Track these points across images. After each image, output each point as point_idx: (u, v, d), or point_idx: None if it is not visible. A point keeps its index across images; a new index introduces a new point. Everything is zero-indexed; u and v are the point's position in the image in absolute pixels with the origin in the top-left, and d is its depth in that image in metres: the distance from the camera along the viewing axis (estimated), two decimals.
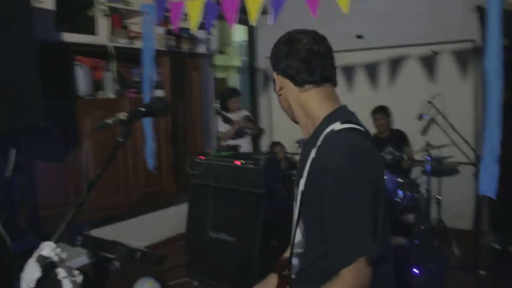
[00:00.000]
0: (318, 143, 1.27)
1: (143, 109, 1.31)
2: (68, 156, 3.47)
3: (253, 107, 5.88)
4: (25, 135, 3.14)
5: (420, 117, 3.81)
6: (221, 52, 7.20)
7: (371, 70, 4.88)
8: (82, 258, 2.73)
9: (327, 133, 1.28)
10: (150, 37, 3.50)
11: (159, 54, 3.82)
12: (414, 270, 2.55)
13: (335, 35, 4.74)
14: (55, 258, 1.05)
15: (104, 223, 3.82)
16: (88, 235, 3.34)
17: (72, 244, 2.12)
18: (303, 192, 1.29)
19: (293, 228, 1.37)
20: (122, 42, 3.75)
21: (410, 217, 4.08)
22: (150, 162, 3.67)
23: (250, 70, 5.93)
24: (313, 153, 1.27)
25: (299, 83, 1.36)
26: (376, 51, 4.78)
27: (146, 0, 3.61)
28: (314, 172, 1.26)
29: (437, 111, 3.89)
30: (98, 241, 2.91)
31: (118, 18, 3.78)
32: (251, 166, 3.20)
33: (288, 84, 1.37)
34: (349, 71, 4.99)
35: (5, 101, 2.41)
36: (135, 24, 3.97)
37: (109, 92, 3.83)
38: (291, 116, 1.45)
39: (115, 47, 3.66)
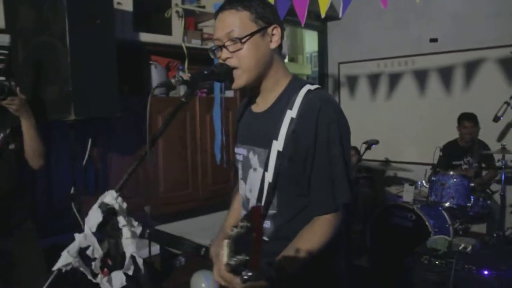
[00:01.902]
0: (296, 102, 1.34)
1: (205, 72, 1.33)
2: (141, 150, 3.65)
3: None
4: (102, 128, 3.34)
5: (497, 119, 3.62)
6: (292, 60, 7.28)
7: (445, 74, 4.72)
8: (146, 250, 2.87)
9: (306, 92, 1.36)
10: None
11: None
12: (485, 272, 2.42)
13: (409, 39, 4.76)
14: (116, 207, 1.12)
15: (171, 219, 3.95)
16: (156, 229, 3.48)
17: (141, 236, 2.24)
18: (281, 152, 1.33)
19: (263, 190, 1.39)
20: (195, 43, 3.91)
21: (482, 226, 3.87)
22: (218, 156, 3.75)
23: (320, 77, 5.94)
24: (291, 113, 1.34)
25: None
26: (450, 54, 4.62)
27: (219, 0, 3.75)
28: (299, 129, 1.32)
29: None
30: (165, 235, 3.02)
31: (192, 20, 3.95)
32: None
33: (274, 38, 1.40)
34: (421, 75, 4.85)
35: (85, 92, 2.60)
36: (208, 27, 4.13)
37: (181, 91, 3.99)
38: (256, 79, 1.41)
39: (188, 48, 3.82)
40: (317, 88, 1.40)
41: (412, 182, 4.16)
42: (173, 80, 1.24)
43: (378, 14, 5.05)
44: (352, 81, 5.50)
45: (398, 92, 5.07)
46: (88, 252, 1.14)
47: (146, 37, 3.51)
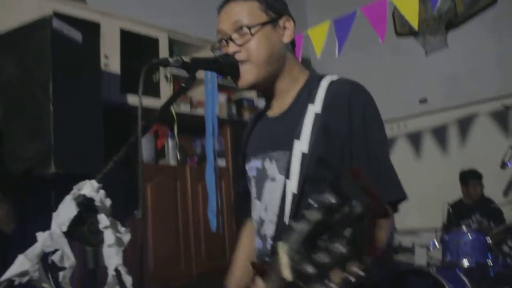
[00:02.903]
0: (318, 95, 1.15)
1: (209, 58, 1.15)
2: (127, 222, 3.37)
3: None
4: None
5: (504, 165, 3.46)
6: None
7: (439, 134, 4.64)
8: None
9: (329, 83, 1.17)
10: (213, 99, 3.53)
11: (220, 123, 3.83)
12: None
13: (398, 101, 4.72)
14: (97, 201, 0.88)
15: None
16: None
17: None
18: (306, 154, 1.10)
19: (285, 203, 1.12)
20: (184, 109, 3.82)
21: None
22: (213, 222, 3.48)
23: None
24: (314, 108, 1.13)
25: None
26: (442, 113, 4.57)
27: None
28: (328, 121, 1.11)
29: None
30: None
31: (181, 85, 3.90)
32: None
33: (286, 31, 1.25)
34: (414, 138, 4.77)
35: (67, 146, 2.41)
36: (197, 94, 4.07)
37: (171, 159, 3.82)
38: (268, 78, 1.22)
39: (177, 114, 3.71)
40: (340, 77, 1.23)
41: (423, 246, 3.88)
42: (171, 60, 1.06)
43: (365, 78, 5.06)
44: None
45: (392, 157, 4.93)
46: (54, 258, 0.82)
47: (133, 99, 3.40)
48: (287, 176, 1.12)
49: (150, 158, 3.65)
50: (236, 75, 1.19)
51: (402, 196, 1.12)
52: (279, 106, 1.26)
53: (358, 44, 5.03)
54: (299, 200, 1.10)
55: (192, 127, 3.94)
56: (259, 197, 1.24)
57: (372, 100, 1.18)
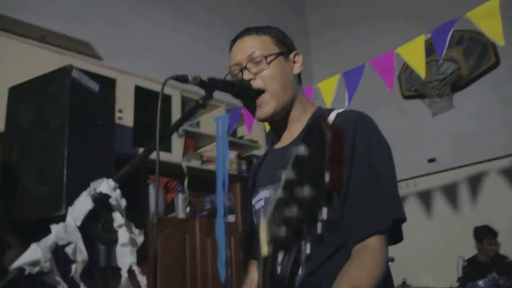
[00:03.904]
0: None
1: (226, 80, 1.19)
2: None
3: None
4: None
5: None
6: None
7: (449, 191, 4.60)
8: None
9: (336, 115, 1.20)
10: (224, 154, 3.56)
11: (230, 179, 3.84)
12: None
13: (407, 161, 4.74)
14: (113, 200, 0.89)
15: None
16: None
17: None
18: None
19: None
20: (195, 164, 3.85)
21: None
22: (222, 273, 3.39)
23: None
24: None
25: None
26: (451, 172, 4.57)
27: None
28: None
29: None
30: None
31: (192, 142, 3.96)
32: None
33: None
34: (425, 197, 4.73)
35: (80, 189, 2.44)
36: (207, 151, 4.12)
37: (180, 213, 3.80)
38: (285, 107, 1.26)
39: (188, 168, 3.74)
40: (347, 109, 1.26)
41: None
42: (190, 77, 1.10)
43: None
44: None
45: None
46: (68, 251, 0.82)
47: None
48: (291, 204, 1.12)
49: (159, 211, 3.63)
50: (250, 97, 1.23)
51: (401, 216, 1.09)
52: (287, 136, 1.28)
53: (365, 107, 5.15)
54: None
55: (203, 183, 3.95)
56: None
57: (377, 128, 1.20)
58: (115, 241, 0.86)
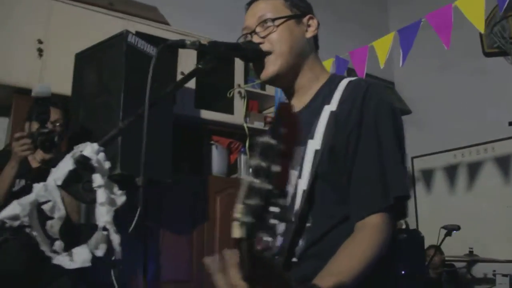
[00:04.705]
0: (335, 96, 1.14)
1: (229, 43, 1.16)
2: (196, 231, 3.49)
3: None
4: (153, 201, 3.23)
5: None
6: None
7: None
8: None
9: (347, 83, 1.15)
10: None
11: None
12: None
13: (486, 124, 4.42)
14: (94, 162, 0.96)
15: None
16: None
17: None
18: (318, 151, 1.08)
19: (294, 201, 1.09)
20: (258, 125, 3.91)
21: None
22: None
23: None
24: (330, 107, 1.12)
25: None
26: None
27: None
28: (342, 121, 1.09)
29: None
30: None
31: (256, 103, 4.01)
32: None
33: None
34: (504, 161, 4.40)
35: (134, 150, 2.59)
36: (272, 113, 4.16)
37: (243, 174, 3.91)
38: (290, 70, 1.23)
39: (250, 128, 3.80)
40: (359, 77, 1.22)
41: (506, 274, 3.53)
42: (188, 42, 1.10)
43: (449, 103, 4.85)
44: (428, 175, 5.12)
45: (479, 182, 4.61)
46: (45, 208, 0.90)
47: (207, 114, 3.56)
48: (299, 175, 1.11)
49: (222, 171, 3.76)
50: (259, 60, 1.22)
51: (404, 193, 1.05)
52: (298, 103, 1.26)
53: (442, 65, 4.84)
54: (309, 197, 1.08)
55: None
56: None
57: (388, 99, 1.15)
58: (94, 200, 0.92)
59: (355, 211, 1.05)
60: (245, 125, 3.76)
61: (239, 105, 3.79)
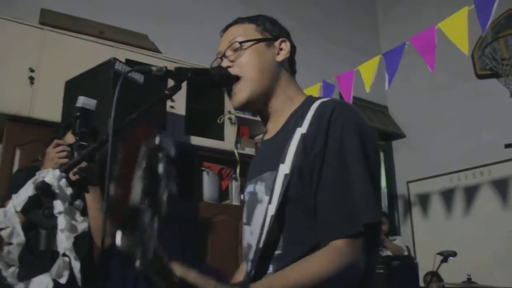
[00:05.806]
0: (307, 118, 1.11)
1: (197, 68, 1.16)
2: (186, 256, 3.46)
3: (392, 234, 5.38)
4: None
5: None
6: None
7: None
8: None
9: (319, 105, 1.13)
10: None
11: None
12: None
13: (481, 147, 4.42)
14: (56, 188, 0.95)
15: None
16: None
17: None
18: (287, 175, 1.06)
19: (264, 227, 1.07)
20: (249, 151, 3.91)
21: None
22: None
23: (388, 198, 5.57)
24: (301, 130, 1.09)
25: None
26: None
27: None
28: (308, 143, 1.07)
29: None
30: None
31: (247, 129, 4.02)
32: None
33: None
34: (501, 184, 4.38)
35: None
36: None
37: (234, 200, 3.88)
38: (261, 95, 1.22)
39: (241, 154, 3.80)
40: (332, 98, 1.19)
41: None
42: (154, 68, 1.10)
43: (444, 126, 4.86)
44: (424, 200, 5.09)
45: (477, 207, 4.57)
46: (3, 233, 0.89)
47: (197, 140, 3.57)
48: (270, 198, 1.09)
49: (214, 197, 3.74)
50: (229, 85, 1.21)
51: (374, 220, 1.00)
52: (273, 128, 1.25)
53: (437, 87, 4.87)
54: (278, 221, 1.06)
55: None
56: (248, 221, 1.20)
57: (355, 121, 1.10)
58: (54, 227, 0.91)
59: (321, 237, 1.03)
60: (235, 151, 3.77)
61: (230, 131, 3.79)
